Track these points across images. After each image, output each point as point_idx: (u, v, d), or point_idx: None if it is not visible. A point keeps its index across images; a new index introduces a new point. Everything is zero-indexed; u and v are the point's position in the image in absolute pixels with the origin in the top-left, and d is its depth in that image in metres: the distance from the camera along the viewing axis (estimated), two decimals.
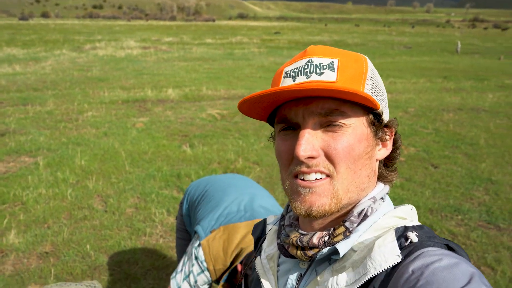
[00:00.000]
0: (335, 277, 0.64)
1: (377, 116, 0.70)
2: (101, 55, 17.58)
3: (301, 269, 0.73)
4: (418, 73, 13.84)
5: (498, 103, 8.89)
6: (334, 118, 0.66)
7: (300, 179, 0.67)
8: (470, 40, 35.07)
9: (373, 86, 0.70)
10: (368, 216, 0.68)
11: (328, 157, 0.66)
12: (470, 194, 4.30)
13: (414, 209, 0.74)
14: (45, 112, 7.53)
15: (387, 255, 0.60)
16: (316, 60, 0.68)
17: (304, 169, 0.66)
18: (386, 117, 0.72)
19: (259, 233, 0.91)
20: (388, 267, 0.59)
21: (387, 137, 0.73)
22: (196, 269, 1.67)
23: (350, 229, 0.67)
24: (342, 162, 0.66)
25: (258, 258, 0.85)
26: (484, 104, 8.77)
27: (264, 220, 0.92)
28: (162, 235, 3.55)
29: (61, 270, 3.06)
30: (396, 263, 0.59)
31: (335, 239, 0.67)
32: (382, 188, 0.74)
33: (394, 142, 0.76)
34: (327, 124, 0.67)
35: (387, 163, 0.76)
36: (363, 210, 0.69)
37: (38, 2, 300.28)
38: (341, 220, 0.70)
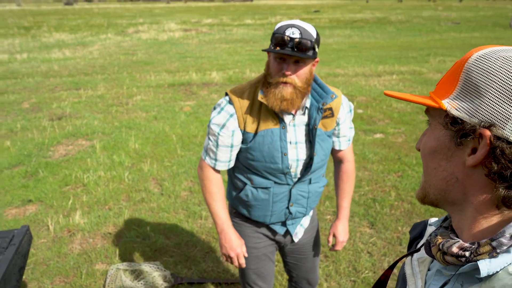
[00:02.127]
0: None
1: (456, 121, 0.66)
2: (144, 39, 17.91)
3: (444, 277, 0.71)
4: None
5: None
6: (428, 117, 0.74)
7: None
8: None
9: (465, 85, 0.65)
10: None
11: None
12: None
13: None
14: (97, 96, 7.81)
15: None
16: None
17: None
18: (471, 118, 0.64)
19: (417, 233, 0.89)
20: None
21: (474, 142, 0.65)
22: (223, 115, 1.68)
23: (498, 250, 0.61)
24: (423, 157, 0.73)
25: (409, 257, 0.83)
26: None
27: (425, 221, 0.89)
28: None
29: (124, 250, 3.22)
30: None
31: (478, 257, 0.62)
32: None
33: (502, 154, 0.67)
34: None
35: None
36: None
37: None
38: (489, 236, 0.65)
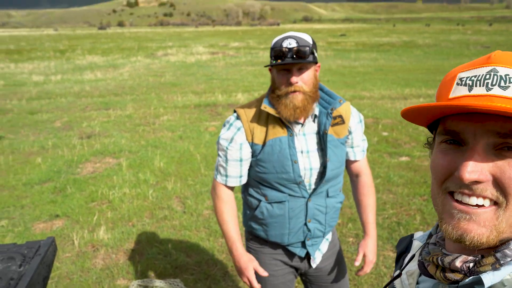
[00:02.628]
0: None
1: None
2: (172, 61, 18.41)
3: None
4: None
5: None
6: None
7: (457, 200, 0.60)
8: None
9: None
10: None
11: (499, 185, 0.57)
12: None
13: None
14: (125, 116, 8.03)
15: None
16: (502, 71, 0.58)
17: (465, 190, 0.59)
18: None
19: (404, 247, 0.87)
20: None
21: None
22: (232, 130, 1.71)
23: (501, 262, 0.60)
24: None
25: (397, 272, 0.82)
26: None
27: (411, 235, 0.87)
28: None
29: (146, 267, 3.24)
30: None
31: (481, 269, 0.60)
32: None
33: None
34: (502, 147, 0.58)
35: None
36: None
37: (114, 12, 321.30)
38: (492, 249, 0.62)
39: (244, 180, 1.77)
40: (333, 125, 1.69)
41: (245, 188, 1.84)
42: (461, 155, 0.60)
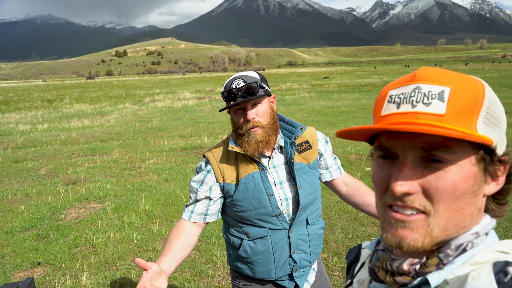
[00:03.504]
0: None
1: (489, 151, 0.63)
2: (159, 107, 18.64)
3: None
4: None
5: None
6: (438, 153, 0.60)
7: (394, 210, 0.64)
8: None
9: (489, 117, 0.62)
10: (466, 251, 0.63)
11: (427, 194, 0.61)
12: None
13: None
14: (111, 161, 8.03)
15: None
16: (425, 88, 0.62)
17: (398, 203, 0.63)
18: (500, 150, 0.64)
19: (353, 257, 0.89)
20: None
21: (500, 172, 0.65)
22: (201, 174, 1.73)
23: (444, 261, 0.63)
24: (442, 201, 0.61)
25: (349, 282, 0.84)
26: None
27: (359, 246, 0.90)
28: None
29: None
30: None
31: (427, 270, 0.63)
32: (487, 223, 0.68)
33: (508, 175, 0.68)
34: (429, 159, 0.61)
35: (497, 196, 0.69)
36: (462, 244, 0.64)
37: (103, 62, 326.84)
38: (435, 250, 0.66)
39: (208, 219, 1.75)
40: (300, 151, 1.74)
41: (226, 229, 1.85)
42: (394, 169, 0.64)
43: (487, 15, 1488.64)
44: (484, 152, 0.62)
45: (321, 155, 1.82)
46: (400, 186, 0.61)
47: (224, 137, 9.18)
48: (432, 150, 0.60)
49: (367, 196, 1.89)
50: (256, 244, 1.72)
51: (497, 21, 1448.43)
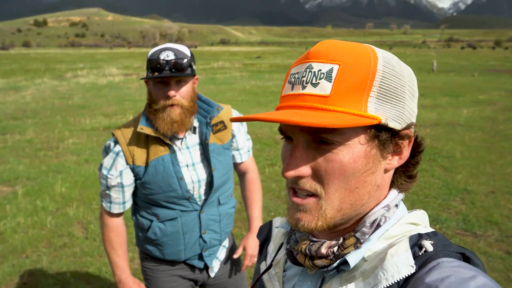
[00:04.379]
0: (344, 287, 0.62)
1: (383, 128, 0.61)
2: (82, 83, 17.57)
3: (308, 276, 0.70)
4: None
5: (473, 118, 9.16)
6: (325, 136, 0.59)
7: (295, 192, 0.64)
8: (445, 59, 36.18)
9: (383, 92, 0.59)
10: (381, 226, 0.64)
11: (317, 177, 0.61)
12: (448, 204, 4.40)
13: (425, 213, 0.69)
14: (25, 140, 7.46)
15: (400, 265, 0.57)
16: (315, 66, 0.60)
17: (295, 185, 0.63)
18: (399, 124, 0.62)
19: (264, 236, 0.87)
20: (401, 278, 0.56)
21: (401, 145, 0.64)
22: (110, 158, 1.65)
23: (361, 240, 0.64)
24: (331, 183, 0.60)
25: (263, 263, 0.81)
26: (459, 119, 9.03)
27: (270, 223, 0.87)
28: None
29: None
30: (409, 274, 0.56)
31: (345, 251, 0.63)
32: (395, 196, 0.68)
33: (416, 148, 0.67)
34: (318, 141, 0.60)
35: (404, 170, 0.69)
36: (376, 220, 0.64)
37: (19, 31, 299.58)
38: (351, 229, 0.66)
39: (128, 205, 1.71)
40: (215, 132, 1.71)
41: (135, 210, 1.79)
42: (289, 153, 0.63)
43: (411, 2, 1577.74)
44: (376, 130, 0.60)
45: (233, 136, 1.80)
46: (289, 171, 0.60)
47: None
48: (319, 132, 0.59)
49: (252, 194, 1.94)
50: (166, 226, 1.70)
51: (420, 7, 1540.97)
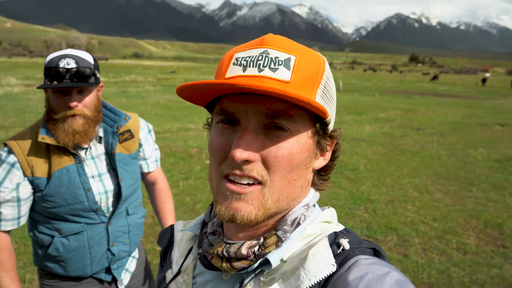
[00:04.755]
0: None
1: (324, 125, 0.64)
2: None
3: (223, 281, 0.67)
4: None
5: (374, 134, 9.98)
6: (280, 121, 0.59)
7: (230, 180, 0.61)
8: (350, 80, 39.09)
9: (326, 92, 0.64)
10: (300, 224, 0.64)
11: (265, 163, 0.60)
12: (353, 213, 4.71)
13: (335, 211, 0.72)
14: None
15: (321, 265, 0.58)
16: (273, 53, 0.60)
17: (237, 171, 0.60)
18: (331, 126, 0.67)
19: (167, 242, 0.82)
20: (323, 278, 0.57)
21: (328, 147, 0.67)
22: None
23: (283, 238, 0.63)
24: (278, 171, 0.60)
25: (169, 271, 0.75)
26: (363, 134, 9.78)
27: (171, 227, 0.82)
28: None
29: None
30: (330, 273, 0.58)
31: (266, 250, 0.62)
32: (314, 195, 0.70)
33: (333, 152, 0.70)
34: (271, 126, 0.60)
35: (322, 172, 0.71)
36: (296, 218, 0.64)
37: None
38: (272, 228, 0.65)
39: (23, 220, 1.56)
40: (122, 141, 1.65)
41: (32, 225, 1.62)
42: (235, 136, 0.60)
43: (319, 26, 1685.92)
44: (320, 125, 0.63)
45: (141, 145, 1.75)
46: (241, 153, 0.58)
47: None
48: (275, 117, 0.59)
49: (164, 204, 1.92)
50: (70, 241, 1.57)
51: (327, 31, 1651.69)
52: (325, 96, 0.63)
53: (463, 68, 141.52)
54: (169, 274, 0.74)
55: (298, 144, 0.60)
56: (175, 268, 0.74)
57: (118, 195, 1.64)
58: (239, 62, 0.61)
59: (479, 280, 3.32)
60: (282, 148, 0.59)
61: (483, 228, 4.39)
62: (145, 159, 1.81)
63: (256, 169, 0.59)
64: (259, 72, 0.59)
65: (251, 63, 0.60)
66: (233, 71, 0.61)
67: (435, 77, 48.00)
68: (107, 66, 52.63)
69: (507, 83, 44.43)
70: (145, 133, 1.77)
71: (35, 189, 1.53)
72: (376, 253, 0.63)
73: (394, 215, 4.70)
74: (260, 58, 0.60)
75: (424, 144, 8.82)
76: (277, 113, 0.59)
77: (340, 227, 0.66)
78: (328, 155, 0.68)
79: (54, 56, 1.45)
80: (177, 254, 0.76)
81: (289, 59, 0.60)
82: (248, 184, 0.60)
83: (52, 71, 1.40)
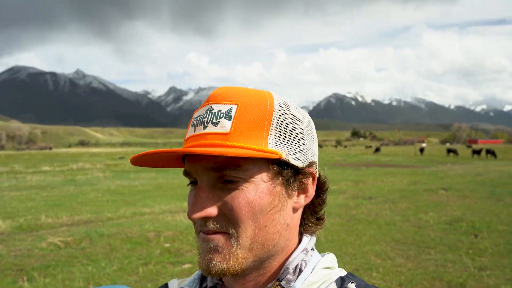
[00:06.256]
0: None
1: (285, 165, 0.62)
2: None
3: None
4: None
5: (329, 205, 10.18)
6: (228, 173, 0.59)
7: (203, 232, 0.62)
8: None
9: (281, 130, 0.62)
10: (302, 271, 0.64)
11: (226, 216, 0.60)
12: None
13: (334, 256, 0.72)
14: None
15: None
16: (215, 108, 0.62)
17: (204, 228, 0.62)
18: (300, 162, 0.64)
19: None
20: None
21: (306, 183, 0.66)
22: None
23: None
24: (241, 220, 0.59)
25: None
26: None
27: (165, 286, 0.81)
28: None
29: None
30: None
31: None
32: (309, 239, 0.70)
33: (320, 186, 0.70)
34: (223, 180, 0.60)
35: (312, 211, 0.71)
36: (297, 265, 0.64)
37: None
38: (273, 277, 0.65)
39: None
40: None
41: None
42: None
43: None
44: (279, 166, 0.61)
45: None
46: (196, 213, 0.59)
47: (1, 223, 7.63)
48: (223, 170, 0.59)
49: None
50: None
51: None
52: (283, 134, 0.62)
53: (401, 140, 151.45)
54: None
55: (255, 191, 0.59)
56: None
57: None
58: (192, 123, 0.64)
59: None
60: (237, 198, 0.59)
61: None
62: None
63: (219, 224, 0.60)
64: (204, 129, 0.61)
65: (199, 121, 0.63)
66: (189, 132, 0.64)
67: (377, 149, 50.83)
68: (52, 155, 50.89)
69: (443, 151, 48.05)
70: None
71: None
72: None
73: None
74: (205, 115, 0.62)
75: (378, 212, 9.12)
76: (224, 166, 0.59)
77: (344, 272, 0.67)
78: (310, 191, 0.67)
79: None
80: None
81: (230, 109, 0.61)
82: (214, 232, 0.61)
83: None
